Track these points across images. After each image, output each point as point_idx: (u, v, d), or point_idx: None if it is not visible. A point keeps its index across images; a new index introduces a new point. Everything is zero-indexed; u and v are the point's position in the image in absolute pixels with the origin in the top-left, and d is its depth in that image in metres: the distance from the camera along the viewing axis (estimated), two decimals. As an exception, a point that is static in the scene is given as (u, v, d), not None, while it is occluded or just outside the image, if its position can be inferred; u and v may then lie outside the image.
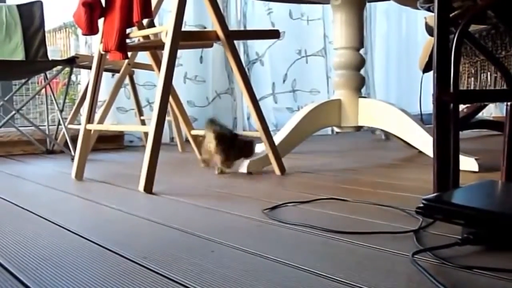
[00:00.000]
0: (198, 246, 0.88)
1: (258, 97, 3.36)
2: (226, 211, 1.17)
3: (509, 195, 0.92)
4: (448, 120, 1.10)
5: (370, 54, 3.82)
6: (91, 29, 1.62)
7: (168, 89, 1.45)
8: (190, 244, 0.90)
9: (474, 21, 1.28)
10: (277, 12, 3.39)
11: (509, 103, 1.48)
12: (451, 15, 1.09)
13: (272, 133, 2.21)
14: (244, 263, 0.78)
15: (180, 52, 3.03)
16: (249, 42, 3.34)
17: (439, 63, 1.07)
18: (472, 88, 2.58)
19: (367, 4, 3.57)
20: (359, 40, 2.08)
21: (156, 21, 2.75)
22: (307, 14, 3.49)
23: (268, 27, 3.32)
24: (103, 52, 1.67)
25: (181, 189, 1.50)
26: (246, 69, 3.34)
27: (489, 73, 2.51)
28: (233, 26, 3.25)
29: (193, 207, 1.23)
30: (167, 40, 1.43)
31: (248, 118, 3.30)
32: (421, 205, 0.83)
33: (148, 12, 1.48)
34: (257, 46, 3.35)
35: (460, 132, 3.40)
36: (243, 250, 0.85)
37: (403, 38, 4.03)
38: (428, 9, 1.33)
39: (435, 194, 0.87)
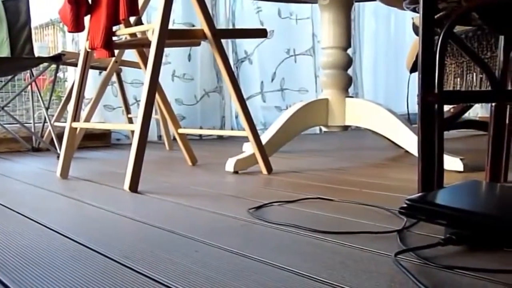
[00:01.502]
0: (182, 245, 0.88)
1: (246, 95, 3.37)
2: (211, 210, 1.17)
3: (492, 196, 0.92)
4: (433, 120, 1.10)
5: (359, 54, 3.83)
6: (76, 26, 1.61)
7: (154, 87, 1.44)
8: (174, 244, 0.89)
9: (459, 22, 1.29)
10: (266, 10, 3.39)
11: (493, 104, 1.49)
12: (436, 16, 1.10)
13: (260, 132, 2.22)
14: (228, 263, 0.78)
15: (168, 50, 3.02)
16: (238, 40, 3.33)
17: (424, 64, 1.07)
18: (458, 88, 2.60)
19: (356, 4, 3.59)
20: (347, 39, 2.08)
21: (144, 19, 2.74)
22: (296, 13, 3.50)
23: (257, 25, 3.32)
24: (89, 50, 1.65)
25: (167, 188, 1.50)
26: (235, 68, 3.34)
27: (475, 74, 2.53)
28: (222, 24, 3.25)
29: (178, 206, 1.23)
30: (154, 38, 1.43)
31: (237, 117, 3.29)
32: (404, 205, 0.83)
33: (134, 10, 1.47)
34: (246, 44, 3.35)
35: (446, 132, 3.43)
36: (227, 250, 0.85)
37: (392, 38, 4.05)
38: (414, 10, 1.33)
39: (418, 195, 0.88)
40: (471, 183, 1.03)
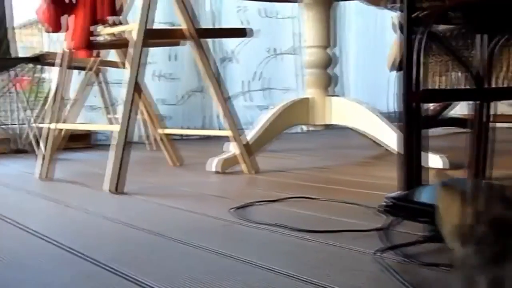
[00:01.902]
0: (165, 247, 0.87)
1: (230, 94, 3.36)
2: (194, 211, 1.16)
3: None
4: (415, 119, 1.11)
5: (343, 53, 3.84)
6: (55, 26, 1.59)
7: (136, 87, 1.43)
8: (156, 246, 0.89)
9: (441, 21, 1.30)
10: (249, 10, 3.38)
11: (475, 102, 1.50)
12: (418, 15, 1.10)
13: (245, 131, 2.21)
14: (209, 263, 0.78)
15: (151, 50, 3.00)
16: (221, 40, 3.32)
17: (406, 63, 1.08)
18: (442, 86, 2.62)
19: (341, 3, 3.60)
20: (328, 38, 2.09)
21: (129, 18, 2.71)
22: (278, 12, 3.49)
23: (240, 25, 3.31)
24: (70, 50, 1.64)
25: (150, 188, 1.49)
26: (219, 67, 3.32)
27: (459, 72, 2.55)
28: (205, 24, 3.23)
29: (161, 207, 1.22)
30: (135, 38, 1.41)
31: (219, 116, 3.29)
32: (384, 203, 0.84)
33: (114, 10, 1.46)
34: (229, 43, 3.34)
35: (429, 130, 3.44)
36: (208, 250, 0.84)
37: (377, 36, 4.07)
38: (396, 9, 1.33)
39: (397, 193, 0.88)
40: (451, 181, 1.04)
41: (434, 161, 1.72)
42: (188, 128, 3.17)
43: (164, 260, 0.80)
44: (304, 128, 2.21)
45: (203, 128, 3.25)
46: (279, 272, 0.73)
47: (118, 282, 0.70)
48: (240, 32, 1.76)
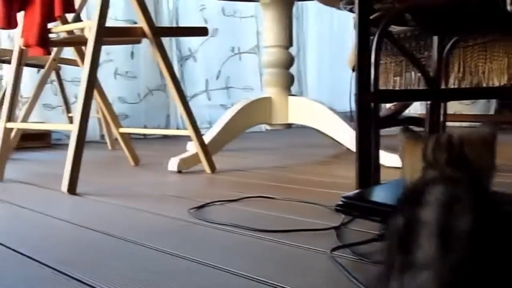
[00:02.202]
0: (118, 248, 0.86)
1: (191, 94, 3.35)
2: (152, 211, 1.15)
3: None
4: (369, 118, 1.13)
5: (303, 52, 3.87)
6: (8, 23, 1.55)
7: (92, 85, 1.41)
8: (110, 247, 0.87)
9: (394, 23, 1.32)
10: (210, 8, 3.37)
11: (429, 102, 1.54)
12: (372, 16, 1.12)
13: (206, 130, 2.20)
14: (164, 265, 0.77)
15: (110, 48, 2.96)
16: (182, 38, 3.30)
17: (360, 63, 1.09)
18: (398, 86, 2.67)
19: (300, 3, 3.62)
20: (288, 38, 2.10)
21: (84, 15, 2.66)
22: (240, 11, 3.50)
23: (201, 23, 3.30)
24: (23, 47, 1.60)
25: (107, 189, 1.47)
26: (179, 66, 3.30)
27: (413, 72, 2.61)
28: (165, 22, 3.21)
29: (117, 208, 1.21)
30: (90, 36, 1.39)
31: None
32: (340, 202, 0.85)
33: (70, 6, 1.43)
34: (190, 42, 3.32)
35: (387, 129, 3.52)
36: (165, 251, 0.84)
37: (336, 36, 4.11)
38: (351, 10, 1.36)
39: (353, 192, 0.89)
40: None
41: (391, 160, 1.76)
42: (152, 126, 3.14)
43: (116, 261, 0.79)
44: (265, 127, 2.22)
45: (167, 126, 3.22)
46: (233, 273, 0.73)
47: (66, 285, 0.69)
48: (200, 31, 1.75)
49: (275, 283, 0.68)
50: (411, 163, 0.51)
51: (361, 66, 1.10)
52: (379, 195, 0.91)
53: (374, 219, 0.81)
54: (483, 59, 2.39)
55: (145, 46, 3.02)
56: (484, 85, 2.44)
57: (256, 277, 0.71)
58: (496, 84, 2.41)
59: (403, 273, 0.39)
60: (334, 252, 0.79)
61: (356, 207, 0.83)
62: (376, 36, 1.10)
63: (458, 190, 0.43)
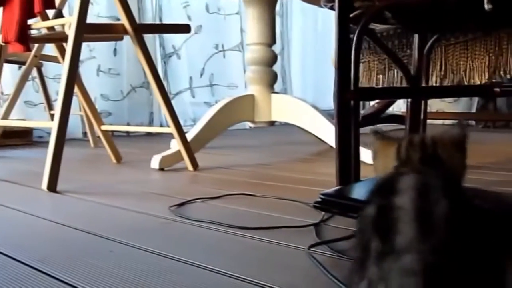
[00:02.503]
0: (98, 247, 0.86)
1: (175, 91, 3.34)
2: (133, 209, 1.15)
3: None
4: (349, 116, 1.13)
5: (287, 50, 3.88)
6: (-13, 19, 1.53)
7: (72, 82, 1.40)
8: (90, 245, 0.87)
9: (374, 21, 1.33)
10: (194, 5, 3.36)
11: (409, 100, 1.55)
12: (352, 14, 1.13)
13: (190, 128, 2.19)
14: (144, 263, 0.77)
15: (92, 44, 2.94)
16: (166, 35, 3.29)
17: (340, 61, 1.10)
18: (381, 84, 2.68)
19: (284, 0, 3.63)
20: (271, 36, 2.10)
21: (66, 12, 2.64)
22: (224, 8, 3.49)
23: (185, 21, 3.29)
24: (3, 44, 1.58)
25: (89, 187, 1.46)
26: (162, 63, 3.29)
27: (396, 70, 2.63)
28: (148, 19, 3.19)
29: (98, 205, 1.20)
30: (71, 33, 1.38)
31: (165, 113, 3.25)
32: (319, 199, 0.85)
33: (50, 2, 1.42)
34: (174, 39, 3.31)
35: (372, 127, 3.49)
36: (145, 249, 0.84)
37: (320, 34, 4.13)
38: (331, 8, 1.36)
39: (332, 189, 0.90)
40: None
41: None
42: (135, 124, 3.13)
43: (95, 259, 0.79)
44: (249, 125, 2.22)
45: (150, 124, 3.21)
46: (212, 270, 0.73)
47: (45, 283, 0.69)
48: (183, 28, 1.74)
49: (255, 281, 0.69)
50: (384, 163, 0.52)
51: (341, 64, 1.11)
52: (358, 192, 0.92)
53: (352, 215, 0.82)
54: (464, 57, 2.41)
55: (128, 43, 3.01)
56: (466, 83, 2.47)
57: (236, 275, 0.71)
58: (478, 82, 2.44)
59: (381, 260, 0.39)
60: (312, 249, 0.79)
61: (334, 204, 0.84)
62: (356, 34, 1.10)
63: (431, 179, 0.44)
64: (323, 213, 1.03)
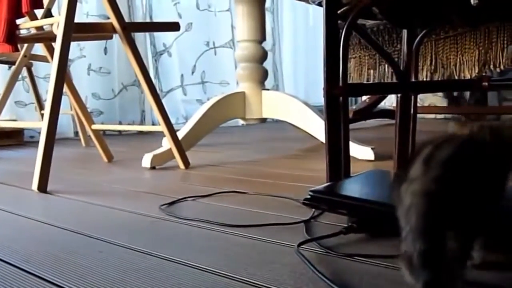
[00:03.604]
0: (86, 247, 0.86)
1: (166, 89, 3.33)
2: (123, 208, 1.14)
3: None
4: (338, 112, 1.13)
5: (278, 46, 3.87)
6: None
7: (61, 82, 1.39)
8: (78, 245, 0.87)
9: (363, 16, 1.33)
10: (184, 3, 3.36)
11: (399, 95, 1.55)
12: (340, 10, 1.13)
13: (182, 125, 2.18)
14: (132, 262, 0.77)
15: (83, 43, 2.92)
16: (156, 33, 3.28)
17: (328, 57, 1.10)
18: (372, 79, 2.69)
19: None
20: (261, 33, 2.10)
21: (55, 11, 2.62)
22: (214, 5, 3.48)
23: (175, 18, 3.28)
24: (-9, 44, 1.57)
25: (79, 186, 1.45)
26: (153, 61, 3.28)
27: (386, 66, 2.63)
28: (138, 17, 3.18)
29: (88, 205, 1.20)
30: (59, 32, 1.37)
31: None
32: (308, 196, 0.85)
33: (38, 2, 1.41)
34: (164, 37, 3.30)
35: (363, 122, 3.53)
36: (133, 249, 0.84)
37: (311, 29, 4.13)
38: (319, 4, 1.36)
39: (322, 186, 0.90)
40: (375, 172, 1.08)
41: (363, 152, 1.77)
42: (126, 122, 3.12)
43: (82, 259, 0.78)
44: (240, 122, 2.22)
45: (142, 122, 3.20)
46: (199, 268, 0.73)
47: (31, 284, 0.69)
48: (172, 26, 1.73)
49: (243, 278, 0.69)
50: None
51: (330, 60, 1.11)
52: (347, 188, 0.92)
53: (341, 212, 0.82)
54: (454, 51, 2.42)
55: (119, 42, 3.00)
56: (456, 77, 2.48)
57: (224, 273, 0.71)
58: (468, 76, 2.45)
59: (400, 184, 0.56)
60: (301, 246, 0.79)
61: (323, 200, 0.84)
62: (344, 29, 1.10)
63: (469, 142, 0.57)
64: (313, 209, 1.03)
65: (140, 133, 3.09)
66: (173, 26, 1.69)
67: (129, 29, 1.56)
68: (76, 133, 2.87)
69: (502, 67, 2.38)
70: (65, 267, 0.75)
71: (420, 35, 1.51)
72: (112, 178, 1.58)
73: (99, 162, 1.91)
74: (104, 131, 2.80)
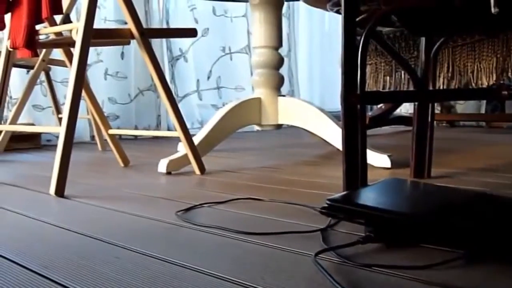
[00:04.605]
0: (103, 252, 0.86)
1: (182, 94, 3.35)
2: (139, 214, 1.15)
3: (409, 194, 0.96)
4: (356, 120, 1.13)
5: (294, 52, 3.87)
6: (-5, 25, 1.54)
7: (80, 86, 1.40)
8: (95, 251, 0.87)
9: (381, 24, 1.33)
10: (201, 8, 3.37)
11: (416, 103, 1.55)
12: (358, 18, 1.12)
13: (197, 130, 2.19)
14: (149, 269, 0.77)
15: (100, 48, 2.95)
16: (172, 38, 3.30)
17: (346, 65, 1.09)
18: (388, 85, 2.67)
19: (290, 2, 3.63)
20: (278, 39, 2.10)
21: (73, 16, 2.65)
22: (230, 11, 3.49)
23: (192, 23, 3.30)
24: (11, 49, 1.59)
25: (95, 191, 1.46)
26: (170, 66, 3.30)
27: (402, 72, 2.62)
28: (155, 22, 3.20)
29: (105, 210, 1.20)
30: (78, 38, 1.39)
31: (172, 116, 3.26)
32: (325, 205, 0.85)
33: (58, 8, 1.43)
34: (181, 42, 3.32)
35: (378, 129, 3.55)
36: (149, 255, 0.84)
37: (326, 35, 4.12)
38: (338, 12, 1.36)
39: (339, 194, 0.90)
40: (392, 181, 1.07)
41: (380, 160, 1.76)
42: (142, 127, 3.14)
43: (100, 265, 0.79)
44: (256, 127, 2.22)
45: (157, 126, 3.22)
46: (219, 277, 0.73)
47: (51, 291, 0.69)
48: (189, 32, 1.74)
49: (258, 286, 0.68)
50: None
51: (348, 68, 1.11)
52: (365, 197, 0.91)
53: (358, 221, 0.82)
54: (471, 58, 2.40)
55: (136, 46, 3.02)
56: (474, 84, 2.45)
57: (239, 281, 0.71)
58: (485, 83, 2.42)
59: None
60: (318, 255, 0.79)
61: (341, 209, 0.83)
62: (362, 37, 1.10)
63: None
64: (329, 218, 1.02)
65: (156, 137, 3.11)
66: (191, 32, 1.70)
67: (147, 35, 1.57)
68: (93, 137, 2.89)
69: (520, 74, 2.35)
70: (82, 273, 0.76)
71: (438, 42, 1.51)
72: (129, 183, 1.59)
73: (115, 167, 1.92)
74: (120, 135, 2.82)
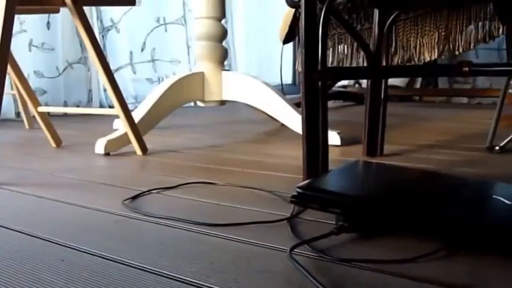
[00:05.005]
0: (45, 254, 0.75)
1: (114, 67, 3.16)
2: (80, 204, 1.03)
3: (381, 178, 0.90)
4: (317, 97, 1.06)
5: (231, 24, 3.76)
6: None
7: (5, 60, 1.24)
8: (36, 252, 0.75)
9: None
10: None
11: (369, 80, 1.50)
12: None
13: (132, 106, 2.06)
14: (102, 274, 0.67)
15: (23, 17, 2.71)
16: (103, 7, 3.09)
17: (307, 41, 1.02)
18: (330, 60, 2.63)
19: (227, -28, 3.49)
20: (221, 9, 1.99)
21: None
22: (166, -21, 3.32)
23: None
24: None
25: (27, 176, 1.32)
26: (100, 37, 3.10)
27: (345, 46, 2.58)
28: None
29: (41, 200, 1.07)
30: (1, 5, 1.22)
31: (105, 90, 3.07)
32: (295, 193, 0.78)
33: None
34: (112, 12, 3.12)
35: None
36: (100, 255, 0.73)
37: (264, 7, 4.03)
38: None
39: (308, 181, 0.82)
40: (358, 164, 1.01)
41: (329, 137, 1.72)
42: (72, 103, 2.94)
43: (42, 271, 0.68)
44: (199, 103, 2.11)
45: (88, 102, 3.03)
46: (179, 279, 0.64)
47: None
48: (127, 0, 1.59)
49: (233, 292, 0.61)
50: None
51: (308, 44, 1.03)
52: (337, 184, 0.85)
53: (334, 211, 0.75)
54: (414, 33, 2.39)
55: (63, 15, 2.79)
56: (416, 60, 2.46)
57: (209, 284, 0.62)
58: (427, 59, 2.43)
59: None
60: (290, 250, 0.71)
61: (314, 198, 0.77)
62: (323, 13, 1.03)
63: None
64: (294, 205, 0.96)
65: (88, 114, 2.92)
66: (128, 1, 1.56)
67: (81, 2, 1.42)
68: (18, 114, 2.68)
69: (461, 50, 2.38)
70: (19, 278, 0.64)
71: (393, 16, 1.46)
72: (65, 166, 1.45)
73: (47, 148, 1.76)
74: (49, 112, 2.62)
